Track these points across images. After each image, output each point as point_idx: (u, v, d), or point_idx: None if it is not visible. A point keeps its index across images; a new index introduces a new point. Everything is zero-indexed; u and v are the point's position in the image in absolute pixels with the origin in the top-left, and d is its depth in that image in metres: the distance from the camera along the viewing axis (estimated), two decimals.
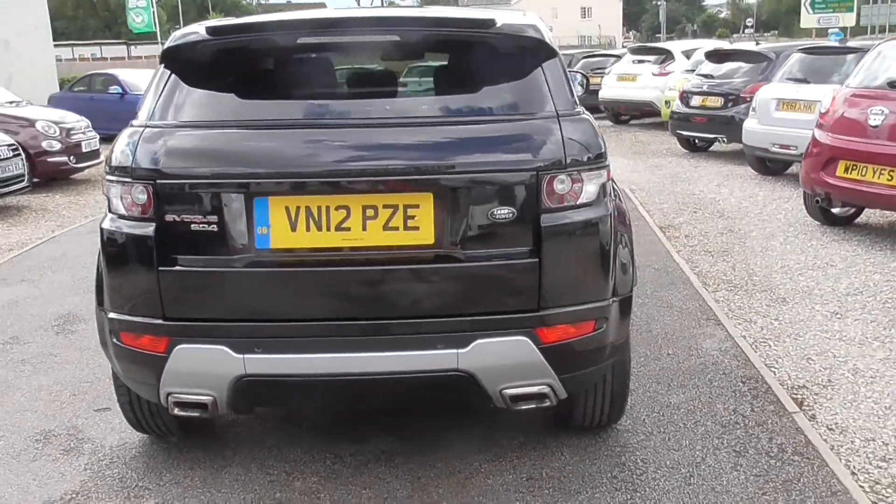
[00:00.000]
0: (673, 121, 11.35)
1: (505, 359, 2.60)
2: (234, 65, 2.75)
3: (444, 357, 2.57)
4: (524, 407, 2.80)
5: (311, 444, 3.26)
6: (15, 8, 19.49)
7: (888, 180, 5.67)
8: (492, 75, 2.76)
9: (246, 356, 2.57)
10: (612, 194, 2.93)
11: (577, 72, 4.79)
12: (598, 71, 16.49)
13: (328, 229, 2.55)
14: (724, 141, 10.42)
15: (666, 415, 3.43)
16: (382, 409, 3.46)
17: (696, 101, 10.84)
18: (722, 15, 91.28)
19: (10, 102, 10.75)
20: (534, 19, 2.90)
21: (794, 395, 3.61)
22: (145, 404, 3.06)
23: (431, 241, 2.56)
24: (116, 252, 2.68)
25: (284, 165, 2.54)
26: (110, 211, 2.70)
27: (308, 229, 2.55)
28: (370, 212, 2.55)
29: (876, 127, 5.77)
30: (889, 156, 5.68)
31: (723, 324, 4.50)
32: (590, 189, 2.66)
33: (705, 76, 11.08)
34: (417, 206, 2.55)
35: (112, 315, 2.73)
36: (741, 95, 10.06)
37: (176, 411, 2.78)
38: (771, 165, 9.24)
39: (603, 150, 2.72)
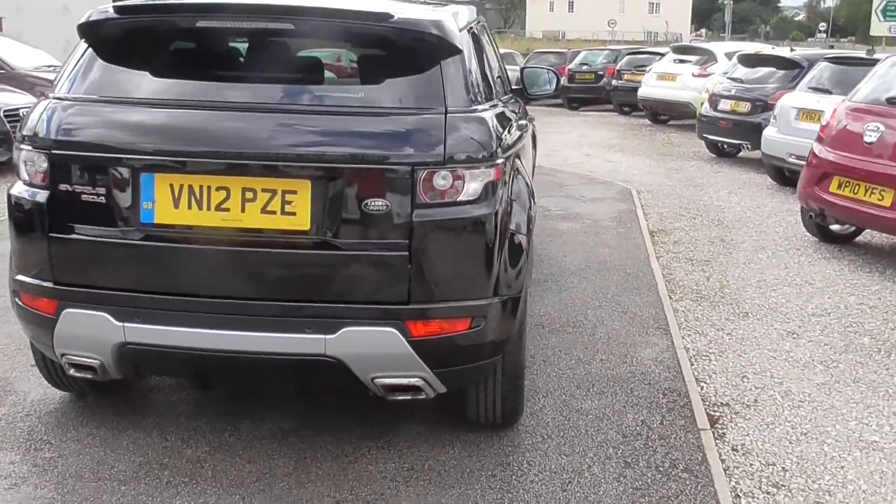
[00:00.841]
0: (700, 124, 11.12)
1: (373, 348, 2.64)
2: (137, 44, 2.82)
3: (312, 342, 2.61)
4: (400, 398, 2.83)
5: (216, 415, 3.35)
6: None
7: (879, 200, 5.49)
8: (384, 69, 2.80)
9: (126, 324, 2.65)
10: (514, 194, 2.92)
11: (546, 69, 4.76)
12: (641, 69, 16.22)
13: (209, 209, 2.60)
14: (748, 147, 10.18)
15: (572, 420, 3.42)
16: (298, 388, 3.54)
17: (724, 105, 10.60)
18: (798, 18, 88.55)
19: (49, 66, 11.10)
20: (442, 15, 2.91)
21: (710, 412, 3.55)
22: (54, 362, 3.18)
23: (307, 227, 2.60)
24: (19, 217, 2.79)
25: (171, 144, 2.61)
26: (19, 177, 2.81)
27: (190, 207, 2.61)
28: (249, 194, 2.60)
29: (871, 144, 5.59)
30: (882, 175, 5.49)
31: (670, 333, 4.44)
32: (472, 187, 2.67)
33: (736, 80, 10.81)
34: (295, 193, 2.59)
35: (17, 277, 2.85)
36: (769, 102, 9.79)
37: (72, 371, 2.89)
38: (790, 176, 8.97)
39: (493, 150, 2.72)
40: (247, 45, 2.87)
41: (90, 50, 2.81)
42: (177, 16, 2.74)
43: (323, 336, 2.60)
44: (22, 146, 2.77)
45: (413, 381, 2.74)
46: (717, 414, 3.56)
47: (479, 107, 2.80)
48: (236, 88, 2.82)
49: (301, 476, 2.94)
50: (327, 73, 2.91)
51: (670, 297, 5.11)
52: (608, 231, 6.81)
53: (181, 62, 2.91)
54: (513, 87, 4.80)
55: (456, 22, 2.95)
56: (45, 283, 2.74)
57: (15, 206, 2.79)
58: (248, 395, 3.55)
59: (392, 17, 2.70)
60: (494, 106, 3.05)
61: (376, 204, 2.58)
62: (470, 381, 2.99)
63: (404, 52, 2.76)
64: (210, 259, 2.64)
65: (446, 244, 2.66)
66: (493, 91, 3.31)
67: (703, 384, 3.85)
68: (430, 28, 2.76)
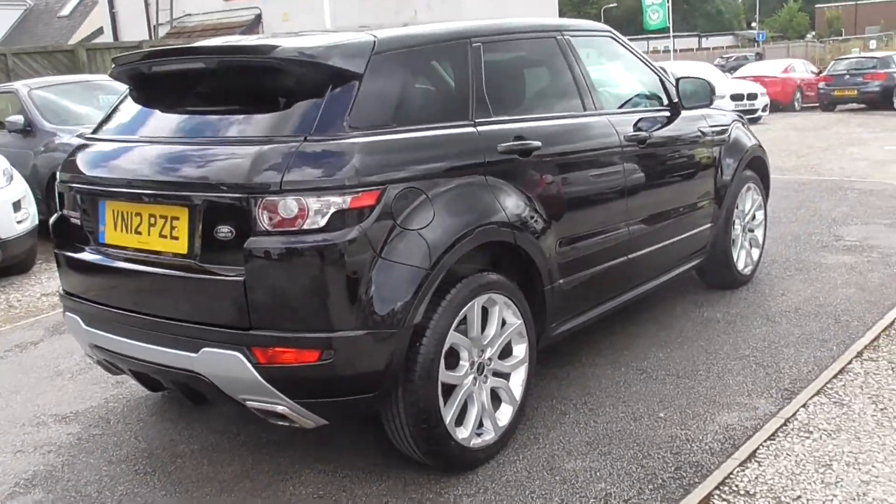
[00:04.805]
0: None
1: (225, 371, 2.75)
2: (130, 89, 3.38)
3: (184, 358, 2.83)
4: (280, 423, 2.88)
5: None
6: None
7: None
8: (256, 98, 2.91)
9: (89, 328, 3.20)
10: (415, 222, 2.75)
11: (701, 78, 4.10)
12: None
13: (130, 231, 3.02)
14: None
15: (538, 484, 2.99)
16: None
17: None
18: None
19: None
20: (336, 41, 2.89)
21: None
22: None
23: (185, 251, 2.84)
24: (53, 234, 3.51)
25: (112, 176, 3.09)
26: None
27: (119, 230, 3.06)
28: (153, 219, 2.94)
29: None
30: None
31: (792, 398, 3.47)
32: (317, 216, 2.61)
33: None
34: (178, 219, 2.86)
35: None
36: None
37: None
38: None
39: (346, 178, 2.62)
40: (172, 86, 3.19)
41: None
42: (131, 65, 3.18)
43: (190, 354, 2.81)
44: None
45: (276, 408, 2.77)
46: None
47: (347, 133, 2.71)
48: (155, 124, 3.18)
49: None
50: (217, 106, 3.08)
51: (858, 356, 3.94)
52: (882, 271, 5.40)
53: (133, 103, 3.36)
54: (672, 101, 4.35)
55: (362, 47, 2.89)
56: (61, 291, 3.44)
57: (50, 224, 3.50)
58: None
59: (275, 48, 2.79)
60: (426, 129, 2.93)
61: (224, 231, 2.71)
62: (347, 415, 2.88)
63: (286, 82, 2.82)
64: (128, 275, 3.03)
65: (286, 273, 2.65)
66: (469, 110, 3.12)
67: (748, 466, 2.98)
68: (307, 57, 2.78)
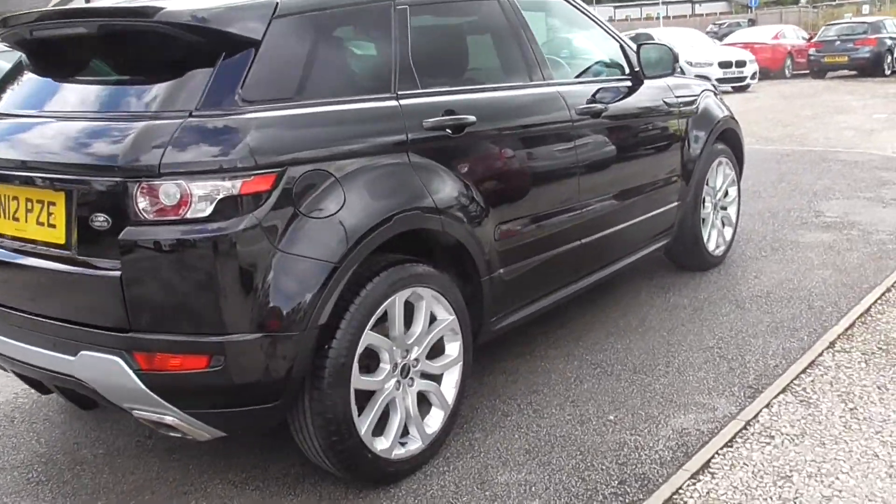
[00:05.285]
0: None
1: (105, 376, 2.42)
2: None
3: (62, 361, 2.50)
4: (172, 434, 2.56)
5: None
6: None
7: None
8: (142, 68, 2.54)
9: None
10: (319, 208, 2.41)
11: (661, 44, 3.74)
12: None
13: (7, 217, 2.66)
14: None
15: (439, 492, 2.69)
16: None
17: None
18: None
19: None
20: (229, 1, 2.52)
21: None
22: None
23: (63, 240, 2.49)
24: None
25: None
26: None
27: (2, 216, 2.69)
28: (30, 205, 2.59)
29: None
30: None
31: (756, 395, 3.18)
32: (201, 203, 2.27)
33: None
34: (55, 205, 2.50)
35: None
36: None
37: None
38: None
39: (241, 158, 2.28)
40: (56, 53, 2.81)
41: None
42: (13, 28, 2.80)
43: (69, 357, 2.48)
44: None
45: (165, 419, 2.45)
46: None
47: (244, 108, 2.36)
48: (36, 97, 2.80)
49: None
50: (101, 76, 2.71)
51: (830, 347, 3.64)
52: (862, 250, 5.09)
53: (14, 73, 2.98)
54: (633, 70, 4.01)
55: (261, 10, 2.52)
56: None
57: None
58: None
59: (159, 11, 2.42)
60: (337, 103, 2.58)
61: (99, 219, 2.36)
62: (249, 427, 2.57)
63: (173, 50, 2.46)
64: (7, 266, 2.68)
65: (167, 268, 2.31)
66: (393, 81, 2.77)
67: (699, 479, 2.68)
68: (197, 21, 2.41)
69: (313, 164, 2.46)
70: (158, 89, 2.45)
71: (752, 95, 16.85)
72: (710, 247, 4.74)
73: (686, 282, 4.63)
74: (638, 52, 3.97)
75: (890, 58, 20.02)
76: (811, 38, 23.05)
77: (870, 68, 19.93)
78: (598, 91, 3.74)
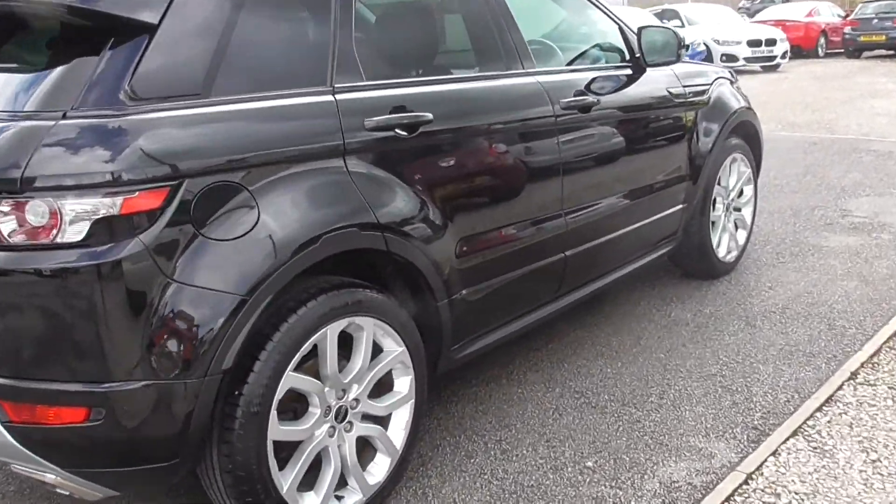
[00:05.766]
0: None
1: None
2: None
3: None
4: (66, 493, 2.17)
5: None
6: None
7: None
8: (19, 59, 2.14)
9: None
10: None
11: (667, 28, 3.26)
12: None
13: None
14: None
15: None
16: None
17: None
18: None
19: None
20: None
21: None
22: None
23: None
24: None
25: None
26: None
27: None
28: None
29: None
30: None
31: (762, 439, 2.73)
32: (74, 225, 1.86)
33: None
34: None
35: None
36: None
37: None
38: None
39: (124, 168, 1.87)
40: None
41: None
42: None
43: None
44: None
45: (45, 476, 2.06)
46: None
47: (149, 105, 1.95)
48: None
49: None
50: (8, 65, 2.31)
51: (852, 379, 3.18)
52: (892, 258, 4.59)
53: None
54: (634, 56, 3.55)
55: None
56: None
57: None
58: None
59: None
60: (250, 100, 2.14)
61: None
62: (144, 486, 2.18)
63: (54, 36, 2.08)
64: None
65: (35, 303, 1.91)
66: (328, 72, 2.33)
67: None
68: (79, 1, 2.00)
69: (220, 174, 2.04)
70: (34, 85, 2.04)
71: (782, 76, 16.12)
72: (721, 252, 4.26)
73: (691, 292, 4.17)
74: (639, 37, 3.48)
75: None
76: (847, 16, 22.10)
77: None
78: (590, 81, 3.27)
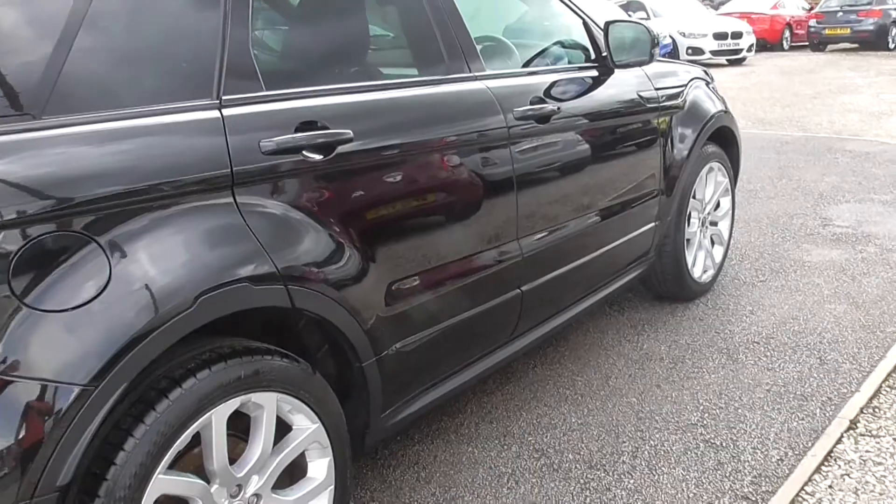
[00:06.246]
0: None
1: None
2: None
3: None
4: None
5: None
6: None
7: None
8: None
9: None
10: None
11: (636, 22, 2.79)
12: None
13: None
14: None
15: None
16: None
17: None
18: None
19: None
20: None
21: None
22: None
23: None
24: None
25: None
26: None
27: None
28: None
29: None
30: None
31: None
32: None
33: None
34: None
35: None
36: None
37: None
38: None
39: None
40: None
41: None
42: None
43: None
44: None
45: None
46: None
47: None
48: None
49: None
50: None
51: (851, 429, 2.76)
52: (881, 275, 4.20)
53: None
54: (600, 54, 3.10)
55: None
56: None
57: None
58: None
59: None
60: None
61: None
62: None
63: None
64: None
65: None
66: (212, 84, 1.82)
67: None
68: None
69: (51, 221, 1.52)
70: None
71: (749, 69, 15.85)
72: (696, 273, 3.83)
73: (664, 318, 3.73)
74: (606, 34, 3.02)
75: (895, 31, 18.98)
76: (812, 9, 21.96)
77: (873, 41, 18.87)
78: (550, 86, 2.80)
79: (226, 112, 1.82)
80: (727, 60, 17.02)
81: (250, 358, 1.82)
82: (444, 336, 2.38)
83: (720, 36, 17.04)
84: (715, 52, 16.83)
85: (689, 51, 16.74)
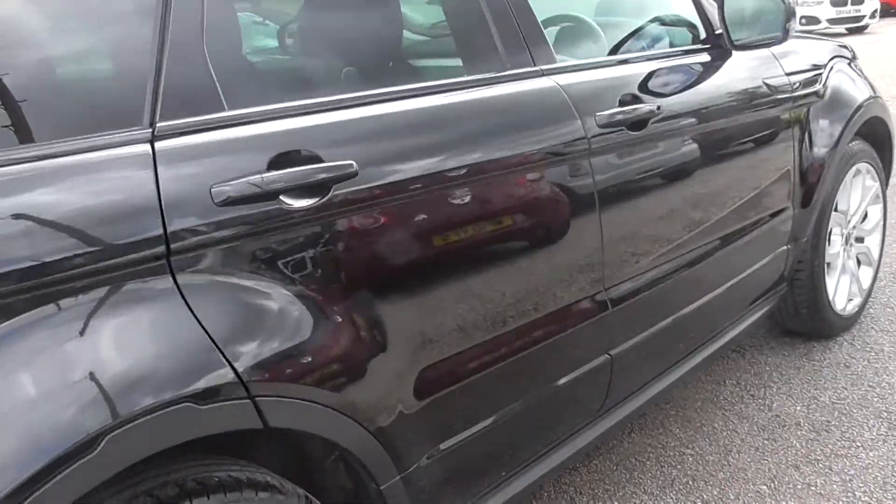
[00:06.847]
0: None
1: None
2: None
3: None
4: None
5: None
6: None
7: None
8: None
9: None
10: None
11: None
12: None
13: None
14: None
15: None
16: None
17: None
18: None
19: None
20: None
21: None
22: None
23: None
24: None
25: None
26: None
27: None
28: None
29: None
30: None
31: None
32: None
33: None
34: None
35: None
36: None
37: None
38: None
39: None
40: None
41: None
42: None
43: None
44: None
45: None
46: None
47: None
48: None
49: None
50: None
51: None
52: None
53: None
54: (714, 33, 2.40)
55: None
56: None
57: None
58: None
59: None
60: None
61: None
62: None
63: None
64: None
65: None
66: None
67: None
68: None
69: None
70: None
71: (872, 38, 14.35)
72: (838, 304, 3.04)
73: (799, 363, 2.96)
74: (722, 5, 2.29)
75: None
76: None
77: None
78: (646, 78, 2.10)
79: (159, 146, 1.24)
80: (846, 29, 15.53)
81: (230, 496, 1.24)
82: (498, 430, 1.74)
83: (838, 2, 15.55)
84: (832, 21, 15.39)
85: (803, 20, 15.36)
